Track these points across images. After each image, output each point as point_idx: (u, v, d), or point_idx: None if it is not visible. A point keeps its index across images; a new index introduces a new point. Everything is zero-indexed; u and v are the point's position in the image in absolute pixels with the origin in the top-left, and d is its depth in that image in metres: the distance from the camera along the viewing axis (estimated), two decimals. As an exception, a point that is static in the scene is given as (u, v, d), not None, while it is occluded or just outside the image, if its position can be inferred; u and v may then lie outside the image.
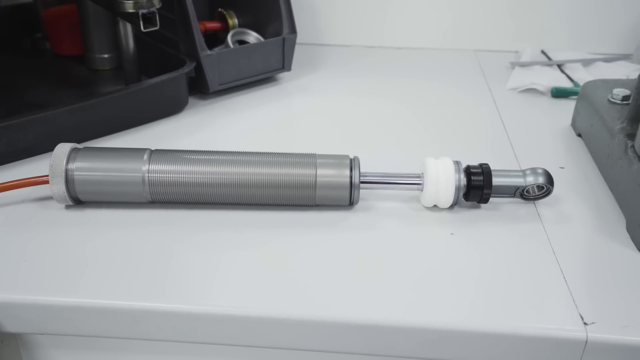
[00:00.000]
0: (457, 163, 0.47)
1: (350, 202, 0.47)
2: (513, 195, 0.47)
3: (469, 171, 0.46)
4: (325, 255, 0.42)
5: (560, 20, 0.85)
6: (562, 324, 0.36)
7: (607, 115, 0.53)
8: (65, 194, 0.45)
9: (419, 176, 0.47)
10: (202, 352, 0.43)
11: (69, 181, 0.45)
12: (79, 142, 0.56)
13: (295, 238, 0.44)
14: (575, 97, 0.65)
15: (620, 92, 0.55)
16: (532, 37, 0.86)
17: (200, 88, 0.68)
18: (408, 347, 0.38)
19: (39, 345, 0.43)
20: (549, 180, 0.46)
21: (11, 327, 0.39)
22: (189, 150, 0.47)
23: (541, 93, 0.72)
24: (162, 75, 0.61)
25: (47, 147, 0.55)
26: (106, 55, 0.75)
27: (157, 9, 0.58)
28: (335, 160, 0.46)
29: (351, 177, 0.45)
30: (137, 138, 0.59)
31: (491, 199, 0.47)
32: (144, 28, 0.57)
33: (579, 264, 0.42)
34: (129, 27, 0.62)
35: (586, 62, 0.81)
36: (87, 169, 0.45)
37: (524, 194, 0.47)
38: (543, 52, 0.85)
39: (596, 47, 0.86)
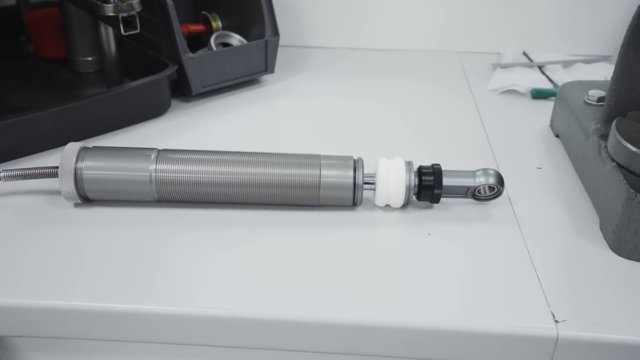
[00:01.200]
0: (408, 163, 0.47)
1: (353, 203, 0.47)
2: (465, 195, 0.48)
3: (420, 171, 0.47)
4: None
5: (541, 22, 0.86)
6: (533, 321, 0.37)
7: (582, 116, 0.54)
8: (74, 192, 0.46)
9: (371, 176, 0.47)
10: (184, 353, 0.44)
11: (77, 179, 0.46)
12: (60, 145, 0.56)
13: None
14: (555, 98, 0.66)
15: (595, 93, 0.56)
16: (513, 38, 0.87)
17: (183, 90, 0.68)
18: (385, 346, 0.38)
19: (17, 348, 0.43)
20: (500, 181, 0.47)
21: (-10, 330, 0.39)
22: (196, 150, 0.47)
23: (521, 94, 0.73)
24: (144, 78, 0.62)
25: (29, 150, 0.56)
26: (90, 58, 0.75)
27: (138, 12, 0.58)
28: (339, 161, 0.47)
29: (355, 177, 0.46)
30: (120, 141, 0.59)
31: (446, 199, 0.48)
32: (125, 31, 0.57)
33: (552, 263, 0.43)
34: (110, 30, 0.62)
35: (566, 64, 0.82)
36: (96, 167, 0.46)
37: (475, 194, 0.48)
38: (524, 53, 0.85)
39: (576, 49, 0.87)
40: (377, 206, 0.48)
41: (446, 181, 0.47)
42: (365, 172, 0.47)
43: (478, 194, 0.48)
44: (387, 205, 0.48)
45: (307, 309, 0.38)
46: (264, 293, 0.39)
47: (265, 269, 0.41)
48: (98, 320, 0.38)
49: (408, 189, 0.47)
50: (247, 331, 0.38)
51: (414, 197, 0.48)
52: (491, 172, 0.47)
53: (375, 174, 0.47)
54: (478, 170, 0.48)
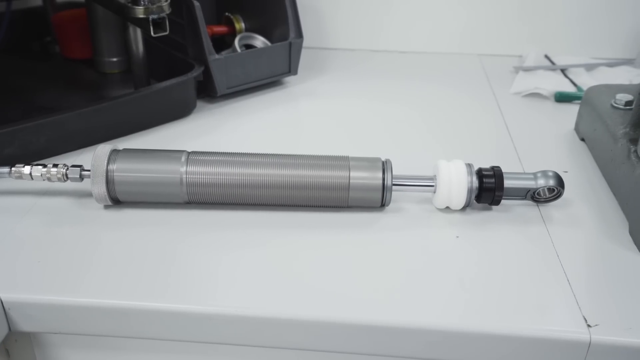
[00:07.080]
0: (469, 165, 0.47)
1: (382, 204, 0.48)
2: (524, 197, 0.48)
3: (480, 173, 0.47)
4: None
5: (563, 24, 0.86)
6: (565, 325, 0.37)
7: (610, 120, 0.54)
8: (106, 194, 0.46)
9: (431, 178, 0.48)
10: (215, 351, 0.44)
11: (109, 182, 0.46)
12: (89, 144, 0.57)
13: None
14: (579, 101, 0.66)
15: (623, 97, 0.55)
16: (535, 41, 0.87)
17: (208, 92, 0.69)
18: (414, 348, 0.38)
19: (52, 344, 0.44)
20: (560, 182, 0.47)
21: (25, 326, 0.40)
22: (225, 153, 0.48)
23: (545, 97, 0.73)
24: (171, 79, 0.62)
25: (58, 150, 0.56)
26: (115, 59, 0.76)
27: (167, 14, 0.58)
28: (367, 162, 0.47)
29: (384, 179, 0.47)
30: (147, 141, 0.60)
31: (503, 201, 0.48)
32: (154, 33, 0.57)
33: (582, 267, 0.43)
34: (138, 31, 0.63)
35: (589, 67, 0.81)
36: (127, 170, 0.46)
37: (534, 196, 0.48)
38: (546, 56, 0.85)
39: (599, 52, 0.86)
40: (437, 208, 0.49)
41: (507, 183, 0.47)
42: (423, 174, 0.48)
43: (537, 196, 0.48)
44: (447, 208, 0.48)
45: (336, 310, 0.38)
46: (292, 293, 0.39)
47: (294, 269, 0.42)
48: (131, 318, 0.39)
49: (470, 191, 0.47)
50: (276, 331, 0.39)
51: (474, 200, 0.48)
52: (550, 173, 0.47)
53: (435, 176, 0.48)
54: (538, 172, 0.48)
